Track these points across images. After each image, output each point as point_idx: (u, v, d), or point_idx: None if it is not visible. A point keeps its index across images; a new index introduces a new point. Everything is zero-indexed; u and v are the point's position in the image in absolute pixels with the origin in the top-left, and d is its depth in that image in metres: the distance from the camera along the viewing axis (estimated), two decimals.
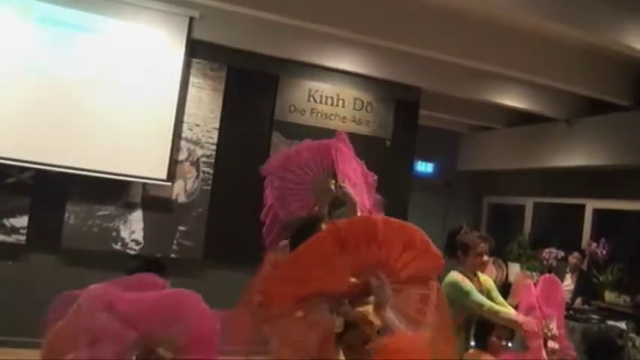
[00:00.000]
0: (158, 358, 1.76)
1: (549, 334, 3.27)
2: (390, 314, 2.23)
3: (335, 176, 3.29)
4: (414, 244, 2.23)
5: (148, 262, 2.71)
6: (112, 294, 1.80)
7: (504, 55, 5.87)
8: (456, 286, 3.55)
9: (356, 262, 2.17)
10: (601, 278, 7.23)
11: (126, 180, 5.81)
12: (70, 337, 1.87)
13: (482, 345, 3.43)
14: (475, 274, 3.72)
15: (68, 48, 5.53)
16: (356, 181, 3.40)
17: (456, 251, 3.72)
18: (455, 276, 3.62)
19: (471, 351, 3.51)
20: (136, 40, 5.78)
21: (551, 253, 7.61)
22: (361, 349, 2.29)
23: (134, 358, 1.74)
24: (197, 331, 1.80)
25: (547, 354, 3.22)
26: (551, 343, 3.26)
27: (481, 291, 3.64)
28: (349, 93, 6.88)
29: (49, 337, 2.19)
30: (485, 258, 3.73)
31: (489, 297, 3.65)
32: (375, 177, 3.60)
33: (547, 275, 3.62)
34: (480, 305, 3.46)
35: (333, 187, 3.26)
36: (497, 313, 3.41)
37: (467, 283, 3.56)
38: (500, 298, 3.70)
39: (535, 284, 3.50)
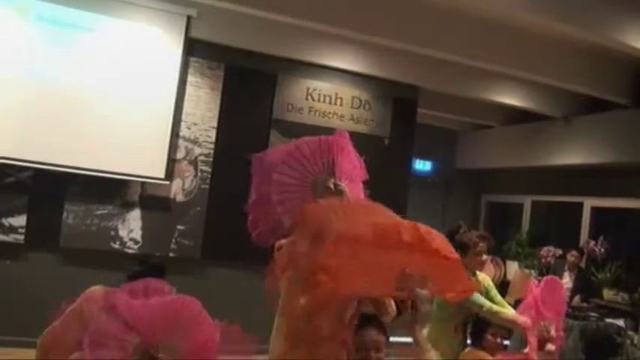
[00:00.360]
0: None
1: (547, 335, 3.28)
2: (420, 331, 2.17)
3: (334, 174, 3.27)
4: (454, 262, 2.17)
5: (150, 267, 2.70)
6: (116, 298, 1.81)
7: (502, 53, 5.87)
8: None
9: (402, 267, 2.04)
10: (599, 276, 7.25)
11: (124, 179, 5.81)
12: (70, 338, 1.88)
13: (479, 343, 3.44)
14: (474, 274, 3.72)
15: (66, 47, 5.52)
16: (352, 179, 3.38)
17: (456, 250, 3.71)
18: None
19: (468, 349, 3.52)
20: (134, 38, 5.77)
21: (549, 251, 7.62)
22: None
23: None
24: (197, 338, 1.80)
25: (544, 355, 3.23)
26: (548, 345, 3.27)
27: (479, 290, 3.64)
28: (347, 91, 6.87)
29: (46, 337, 2.19)
30: (484, 257, 3.73)
31: (487, 296, 3.65)
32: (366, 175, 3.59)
33: (550, 277, 3.63)
34: (480, 306, 3.47)
35: (332, 185, 3.25)
36: (496, 313, 3.42)
37: None
38: (498, 297, 3.70)
39: (538, 285, 3.51)
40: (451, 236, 3.80)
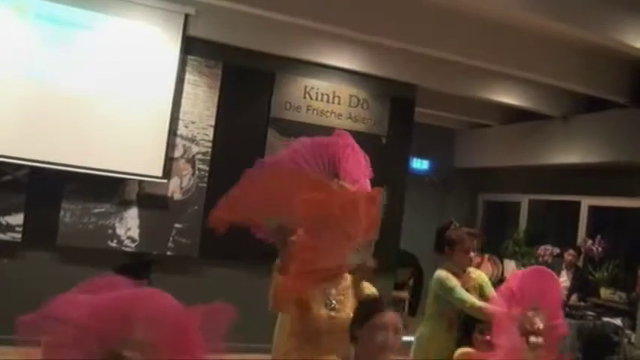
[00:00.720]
0: None
1: (530, 327, 3.10)
2: None
3: (338, 176, 3.27)
4: None
5: (136, 261, 2.69)
6: (65, 302, 1.74)
7: (500, 52, 5.87)
8: (440, 283, 3.59)
9: None
10: (596, 275, 7.26)
11: (121, 177, 5.80)
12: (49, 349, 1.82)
13: (468, 341, 3.38)
14: (464, 270, 3.73)
15: (63, 45, 5.50)
16: (356, 179, 3.38)
17: (444, 247, 3.75)
18: (440, 273, 3.66)
19: (462, 350, 3.44)
20: (132, 37, 5.75)
21: (546, 250, 7.64)
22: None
23: None
24: (164, 329, 1.71)
25: (530, 349, 3.10)
26: (532, 338, 3.10)
27: (473, 286, 3.65)
28: (345, 90, 6.86)
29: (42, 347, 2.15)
30: (473, 254, 3.75)
31: (482, 292, 3.66)
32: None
33: (537, 267, 3.53)
34: (463, 302, 3.48)
35: (336, 187, 3.25)
36: (479, 309, 3.39)
37: (451, 280, 3.59)
38: (493, 294, 3.70)
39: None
40: (442, 232, 3.84)
